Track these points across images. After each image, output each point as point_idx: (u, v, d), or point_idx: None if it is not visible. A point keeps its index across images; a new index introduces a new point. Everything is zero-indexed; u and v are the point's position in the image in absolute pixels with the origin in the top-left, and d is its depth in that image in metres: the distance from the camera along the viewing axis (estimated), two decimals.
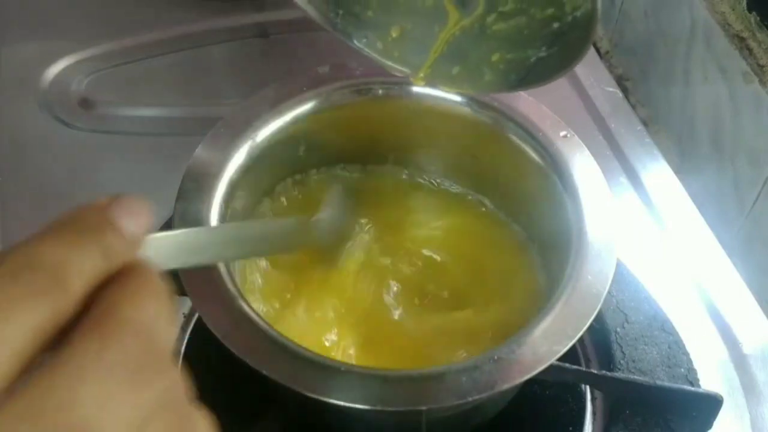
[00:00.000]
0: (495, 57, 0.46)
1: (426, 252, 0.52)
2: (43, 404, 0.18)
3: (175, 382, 0.22)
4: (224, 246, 0.37)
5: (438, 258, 0.52)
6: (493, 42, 0.46)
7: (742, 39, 0.61)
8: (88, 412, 0.19)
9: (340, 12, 0.48)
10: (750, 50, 0.61)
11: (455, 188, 0.56)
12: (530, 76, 0.45)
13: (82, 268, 0.20)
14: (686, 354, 0.53)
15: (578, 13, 0.37)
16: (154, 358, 0.21)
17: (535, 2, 0.42)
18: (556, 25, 0.41)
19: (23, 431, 0.18)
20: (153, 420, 0.20)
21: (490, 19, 0.45)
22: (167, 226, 0.50)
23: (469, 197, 0.55)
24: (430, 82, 0.50)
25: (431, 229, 0.53)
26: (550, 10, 0.41)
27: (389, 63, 0.50)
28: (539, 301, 0.48)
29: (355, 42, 0.50)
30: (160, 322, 0.21)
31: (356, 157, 0.55)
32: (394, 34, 0.48)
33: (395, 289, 0.50)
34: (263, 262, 0.49)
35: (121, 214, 0.22)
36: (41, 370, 0.19)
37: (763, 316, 0.57)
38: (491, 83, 0.48)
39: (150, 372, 0.20)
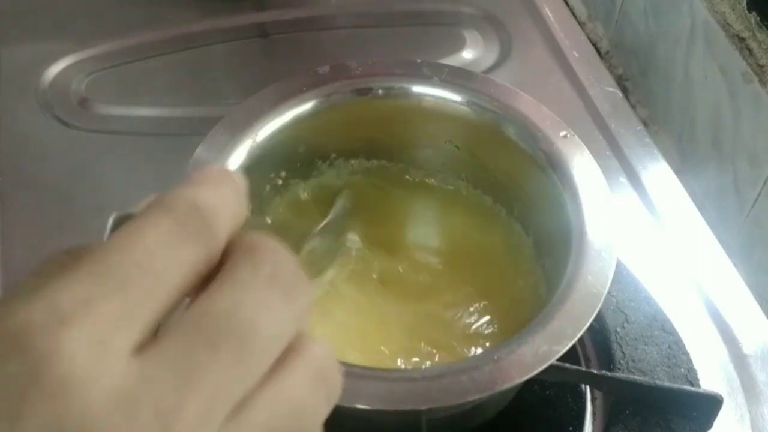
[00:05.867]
0: None
1: (426, 252, 0.52)
2: (211, 310, 0.20)
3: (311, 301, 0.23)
4: None
5: (437, 257, 0.52)
6: None
7: (742, 39, 0.61)
8: (252, 316, 0.20)
9: None
10: (750, 50, 0.61)
11: (455, 188, 0.56)
12: None
13: (227, 220, 0.22)
14: (686, 354, 0.53)
15: None
16: (301, 276, 0.22)
17: None
18: None
19: (192, 338, 0.20)
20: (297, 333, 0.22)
21: None
22: None
23: (469, 197, 0.55)
24: None
25: (431, 229, 0.53)
26: None
27: None
28: (539, 301, 0.48)
29: None
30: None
31: (355, 157, 0.55)
32: None
33: (395, 286, 0.50)
34: None
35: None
36: (207, 288, 0.21)
37: (763, 316, 0.57)
38: None
39: (300, 287, 0.22)
